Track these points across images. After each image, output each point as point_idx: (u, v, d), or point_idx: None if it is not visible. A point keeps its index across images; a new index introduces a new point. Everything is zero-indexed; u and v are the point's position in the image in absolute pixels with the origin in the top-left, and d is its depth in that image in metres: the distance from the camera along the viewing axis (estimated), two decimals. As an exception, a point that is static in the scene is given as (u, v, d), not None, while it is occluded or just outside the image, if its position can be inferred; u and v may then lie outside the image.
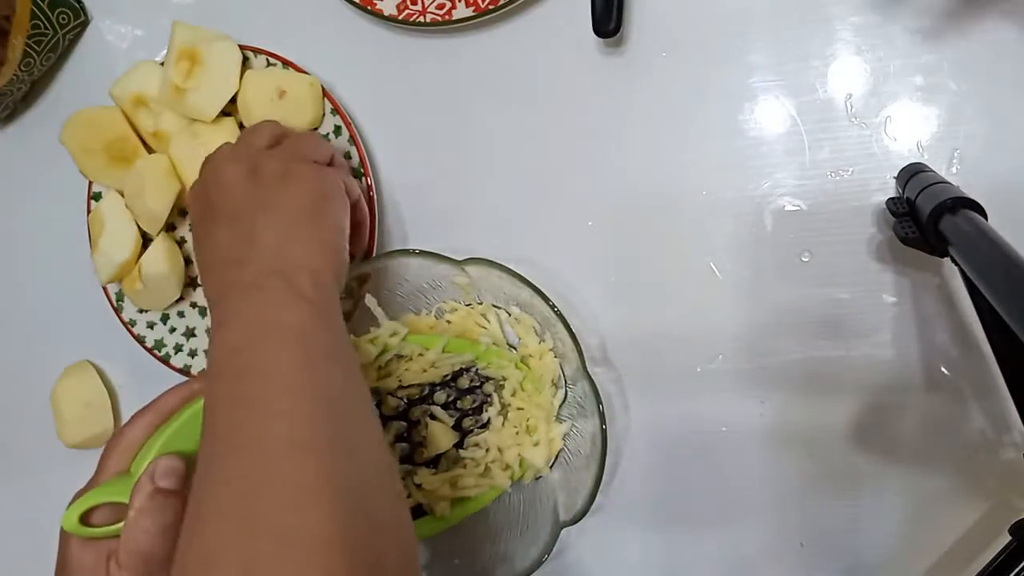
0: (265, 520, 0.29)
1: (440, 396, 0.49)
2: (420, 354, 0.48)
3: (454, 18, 0.49)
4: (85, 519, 0.36)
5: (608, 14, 0.45)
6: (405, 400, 0.49)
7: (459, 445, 0.49)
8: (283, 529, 0.29)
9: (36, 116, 0.63)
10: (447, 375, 0.49)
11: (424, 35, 0.53)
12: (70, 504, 0.37)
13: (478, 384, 0.49)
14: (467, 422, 0.49)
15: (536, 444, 0.47)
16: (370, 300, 0.48)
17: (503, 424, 0.48)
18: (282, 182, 0.41)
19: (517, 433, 0.48)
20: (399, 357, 0.48)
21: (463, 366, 0.49)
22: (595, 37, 0.46)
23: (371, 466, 0.34)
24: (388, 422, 0.49)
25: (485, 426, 0.49)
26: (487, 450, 0.48)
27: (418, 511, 0.49)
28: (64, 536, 0.37)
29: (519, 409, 0.48)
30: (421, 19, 0.50)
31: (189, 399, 0.40)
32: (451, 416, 0.49)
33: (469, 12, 0.49)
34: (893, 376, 0.45)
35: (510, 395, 0.49)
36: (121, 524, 0.36)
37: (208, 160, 0.44)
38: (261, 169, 0.41)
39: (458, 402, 0.50)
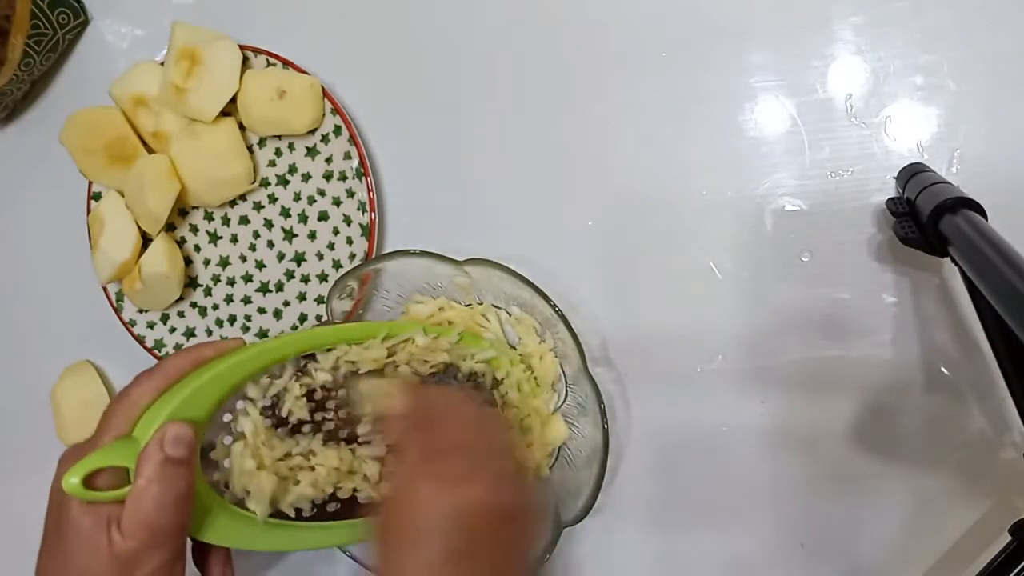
0: None
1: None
2: (436, 338, 0.47)
3: None
4: (87, 482, 0.35)
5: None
6: None
7: None
8: None
9: (36, 116, 0.63)
10: (450, 365, 0.48)
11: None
12: (62, 464, 0.36)
13: (477, 378, 0.49)
14: None
15: (529, 445, 0.47)
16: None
17: None
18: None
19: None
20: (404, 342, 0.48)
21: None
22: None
23: None
24: None
25: None
26: None
27: None
28: (61, 498, 0.36)
29: (514, 407, 0.48)
30: None
31: (198, 364, 0.39)
32: None
33: None
34: (893, 376, 0.45)
35: (505, 393, 0.48)
36: (125, 489, 0.35)
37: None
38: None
39: None
